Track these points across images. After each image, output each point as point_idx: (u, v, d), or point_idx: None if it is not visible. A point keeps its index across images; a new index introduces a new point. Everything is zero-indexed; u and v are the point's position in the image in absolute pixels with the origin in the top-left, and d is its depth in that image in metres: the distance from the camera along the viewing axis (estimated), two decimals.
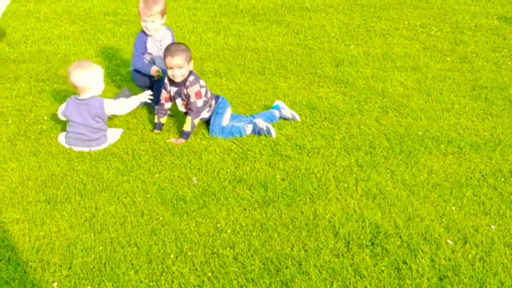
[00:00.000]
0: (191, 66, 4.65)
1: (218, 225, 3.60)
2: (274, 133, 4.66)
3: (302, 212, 3.72)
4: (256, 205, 3.81)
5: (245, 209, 3.76)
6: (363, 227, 3.57)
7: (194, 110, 4.62)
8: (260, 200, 3.86)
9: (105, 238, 3.49)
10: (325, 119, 4.98)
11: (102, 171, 4.21)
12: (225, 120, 4.75)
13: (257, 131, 4.66)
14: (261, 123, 4.68)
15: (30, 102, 5.35)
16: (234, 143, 4.59)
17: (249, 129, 4.67)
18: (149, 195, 3.92)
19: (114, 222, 3.65)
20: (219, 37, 7.14)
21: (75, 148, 4.51)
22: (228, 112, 4.80)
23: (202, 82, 4.72)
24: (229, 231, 3.54)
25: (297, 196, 3.88)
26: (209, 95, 4.75)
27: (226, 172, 4.20)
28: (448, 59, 6.42)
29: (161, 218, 3.68)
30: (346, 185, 4.01)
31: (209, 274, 3.20)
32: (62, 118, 4.63)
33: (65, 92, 5.53)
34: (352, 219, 3.64)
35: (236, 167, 4.25)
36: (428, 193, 3.93)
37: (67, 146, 4.54)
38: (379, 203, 3.82)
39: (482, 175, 4.16)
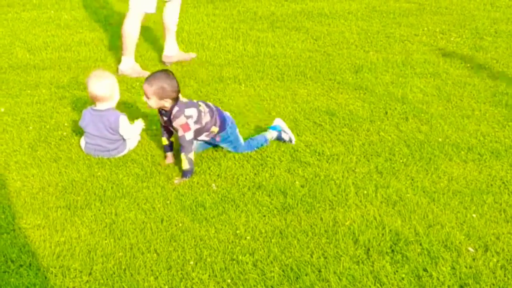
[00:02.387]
0: (166, 102, 4.23)
1: (238, 232, 3.60)
2: (294, 140, 4.65)
3: (321, 219, 3.71)
4: (276, 211, 3.81)
5: (264, 216, 3.76)
6: (383, 234, 3.55)
7: (184, 144, 4.21)
8: (279, 206, 3.85)
9: (125, 244, 3.51)
10: (345, 125, 4.96)
11: (122, 177, 4.23)
12: (241, 141, 4.56)
13: (281, 138, 4.66)
14: (286, 130, 4.66)
15: (51, 109, 5.39)
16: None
17: (274, 135, 4.64)
18: (168, 202, 3.94)
19: (134, 228, 3.66)
20: (238, 43, 7.16)
21: (94, 154, 4.54)
22: (238, 133, 4.57)
23: (190, 111, 4.25)
24: (248, 237, 3.54)
25: (316, 203, 3.87)
26: (206, 119, 4.34)
27: (246, 178, 4.20)
28: (468, 65, 6.38)
29: (180, 225, 3.69)
30: (365, 192, 3.99)
31: (229, 280, 3.20)
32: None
33: (85, 98, 5.57)
34: (372, 226, 3.62)
35: (255, 174, 4.25)
36: (448, 200, 3.90)
37: (86, 152, 4.57)
38: (399, 210, 3.79)
39: (503, 182, 4.12)
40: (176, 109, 4.24)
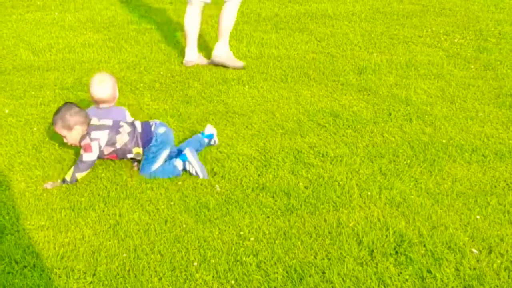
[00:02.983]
0: (82, 130, 4.24)
1: (241, 233, 3.60)
2: (205, 174, 4.26)
3: (325, 220, 3.71)
4: (279, 213, 3.81)
5: (268, 217, 3.76)
6: (387, 236, 3.55)
7: (79, 164, 4.18)
8: (283, 208, 3.85)
9: (129, 245, 3.51)
10: (348, 127, 4.96)
11: (125, 179, 4.23)
12: (156, 165, 4.30)
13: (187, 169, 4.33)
14: (192, 163, 4.27)
15: (55, 110, 5.39)
16: (257, 150, 4.59)
17: (179, 166, 4.31)
18: (172, 203, 3.94)
19: (138, 229, 3.66)
20: (242, 45, 7.16)
21: None
22: (163, 156, 4.33)
23: (97, 134, 4.23)
24: (252, 239, 3.54)
25: (320, 204, 3.87)
26: (124, 140, 4.28)
27: (249, 179, 4.20)
28: (472, 66, 6.37)
29: (184, 226, 3.69)
30: (369, 193, 3.99)
31: (233, 282, 3.20)
32: None
33: (89, 100, 5.57)
34: (376, 228, 3.62)
35: (259, 175, 4.26)
36: (452, 202, 3.90)
37: None
38: (403, 211, 3.79)
39: (507, 184, 4.12)
40: (85, 132, 4.27)
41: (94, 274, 3.27)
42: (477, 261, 3.33)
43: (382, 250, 3.43)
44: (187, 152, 4.29)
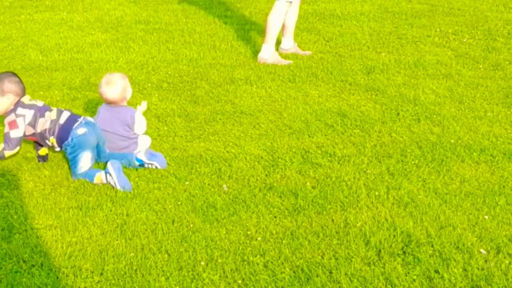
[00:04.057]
0: (12, 101, 4.24)
1: (249, 233, 3.60)
2: (128, 186, 4.12)
3: (332, 220, 3.70)
4: (287, 212, 3.80)
5: (275, 217, 3.76)
6: (394, 236, 3.53)
7: (7, 141, 4.18)
8: (290, 208, 3.85)
9: (136, 245, 3.51)
10: (356, 126, 4.95)
11: (133, 178, 4.24)
12: (80, 168, 4.22)
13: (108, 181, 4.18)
14: (112, 176, 4.14)
15: None
16: (265, 150, 4.59)
17: (101, 177, 4.19)
18: (179, 202, 3.94)
19: (145, 229, 3.67)
20: (250, 44, 7.16)
21: None
22: (84, 159, 4.22)
23: (24, 111, 4.20)
24: (259, 238, 3.54)
25: (327, 204, 3.86)
26: (45, 126, 4.22)
27: (257, 179, 4.20)
28: (481, 66, 6.35)
29: (191, 225, 3.69)
30: (377, 193, 3.98)
31: (240, 281, 3.20)
32: None
33: (98, 99, 5.59)
34: (384, 228, 3.61)
35: (266, 175, 4.25)
36: (460, 202, 3.88)
37: None
38: (411, 211, 3.78)
39: None
40: (12, 107, 4.24)
41: (101, 274, 3.28)
42: (485, 261, 3.31)
43: (390, 250, 3.41)
44: (109, 165, 4.14)
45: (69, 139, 4.22)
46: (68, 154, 4.27)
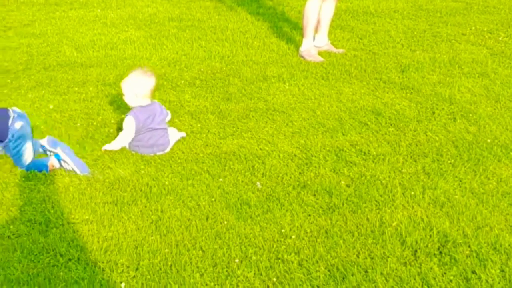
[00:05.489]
0: None
1: (283, 231, 3.59)
2: (85, 169, 4.29)
3: (368, 219, 3.67)
4: (321, 211, 3.79)
5: (309, 215, 3.74)
6: (430, 236, 3.50)
7: None
8: (324, 206, 3.83)
9: (171, 241, 3.53)
10: (391, 125, 4.91)
11: (167, 175, 4.25)
12: (25, 159, 4.32)
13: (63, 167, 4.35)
14: (67, 160, 4.31)
15: (98, 106, 5.46)
16: (298, 148, 4.58)
17: (56, 164, 4.34)
18: (213, 199, 3.95)
19: (180, 225, 3.68)
20: (282, 42, 7.14)
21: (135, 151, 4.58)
22: (27, 150, 4.31)
23: None
24: (293, 236, 3.53)
25: (362, 203, 3.84)
26: None
27: (290, 177, 4.19)
28: None
29: (225, 222, 3.69)
30: (413, 192, 3.94)
31: (274, 279, 3.19)
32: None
33: None
34: (419, 227, 3.57)
35: (300, 173, 4.24)
36: (497, 202, 3.83)
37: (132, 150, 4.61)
38: (447, 211, 3.74)
39: None
40: None
41: (137, 269, 3.30)
42: None
43: (426, 250, 3.38)
44: (59, 151, 4.34)
45: (9, 136, 4.25)
46: (11, 150, 4.30)
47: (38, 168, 4.34)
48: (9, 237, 3.60)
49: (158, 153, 4.57)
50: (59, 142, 4.53)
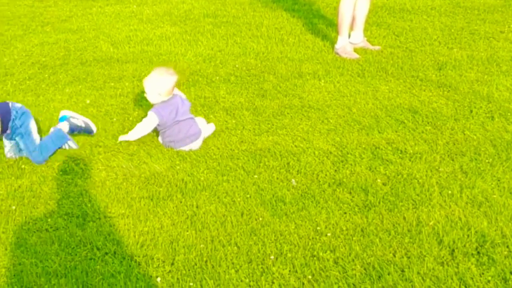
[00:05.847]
0: None
1: (318, 228, 3.58)
2: (94, 126, 4.73)
3: (404, 218, 3.64)
4: (357, 209, 3.76)
5: (345, 213, 3.72)
6: (468, 236, 3.45)
7: None
8: (360, 204, 3.80)
9: (206, 236, 3.54)
10: (428, 123, 4.86)
11: (202, 170, 4.26)
12: (36, 137, 4.45)
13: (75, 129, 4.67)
14: (76, 116, 4.63)
15: (133, 101, 5.50)
16: (334, 145, 4.55)
17: (65, 127, 4.59)
18: (248, 196, 3.95)
19: (215, 221, 3.69)
20: (318, 39, 7.11)
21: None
22: (33, 128, 4.45)
23: None
24: (329, 234, 3.51)
25: (399, 202, 3.80)
26: None
27: (326, 175, 4.17)
28: None
29: (260, 219, 3.69)
30: (450, 192, 3.89)
31: (309, 276, 3.18)
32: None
33: None
34: (457, 227, 3.52)
35: (335, 170, 4.21)
36: None
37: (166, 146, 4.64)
38: (485, 211, 3.68)
39: None
40: None
41: (172, 263, 3.31)
42: None
43: (464, 250, 3.34)
44: (64, 111, 4.66)
45: (12, 115, 4.37)
46: (19, 129, 4.39)
47: (55, 146, 4.47)
48: (47, 230, 3.65)
49: (193, 145, 4.57)
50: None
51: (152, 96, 4.58)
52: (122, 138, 4.61)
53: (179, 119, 4.57)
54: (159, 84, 4.53)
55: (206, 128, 4.77)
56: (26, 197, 3.99)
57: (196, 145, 4.60)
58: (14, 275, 3.25)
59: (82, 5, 9.13)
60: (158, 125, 4.57)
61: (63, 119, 4.64)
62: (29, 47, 7.12)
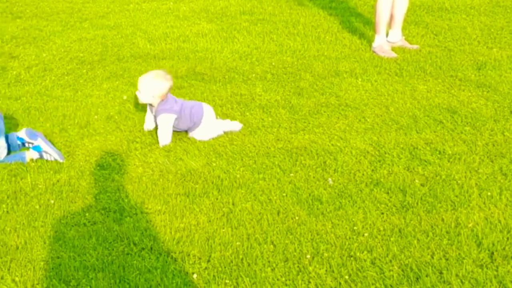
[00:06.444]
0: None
1: (355, 228, 3.55)
2: (62, 157, 4.43)
3: (443, 220, 3.59)
4: (394, 209, 3.72)
5: (382, 213, 3.69)
6: (508, 238, 3.39)
7: None
8: (398, 204, 3.76)
9: (242, 234, 3.53)
10: (467, 124, 4.78)
11: (238, 168, 4.26)
12: (0, 154, 4.42)
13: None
14: (48, 151, 4.43)
15: None
16: (371, 145, 4.51)
17: (32, 155, 4.44)
18: (284, 194, 3.93)
19: (251, 219, 3.68)
20: (355, 37, 7.06)
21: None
22: (1, 143, 4.42)
23: None
24: (366, 234, 3.48)
25: (437, 203, 3.75)
26: None
27: (363, 174, 4.13)
28: None
29: (297, 218, 3.67)
30: (489, 193, 3.83)
31: (346, 277, 3.15)
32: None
33: (203, 89, 5.67)
34: (497, 230, 3.47)
35: (373, 170, 4.18)
36: None
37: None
38: None
39: None
40: None
41: (208, 260, 3.31)
42: None
43: (503, 253, 3.28)
44: (40, 142, 4.42)
45: None
46: None
47: (8, 160, 4.40)
48: (84, 224, 3.68)
49: (204, 124, 4.69)
50: (38, 133, 4.55)
51: (145, 96, 4.63)
52: (161, 145, 4.63)
53: (183, 107, 4.68)
54: (156, 87, 4.59)
55: (228, 124, 4.80)
56: (64, 192, 4.03)
57: (208, 119, 4.70)
58: (52, 268, 3.29)
59: (119, 2, 9.20)
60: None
61: (37, 148, 4.46)
62: (68, 42, 7.19)
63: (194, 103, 4.84)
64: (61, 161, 4.40)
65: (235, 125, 4.82)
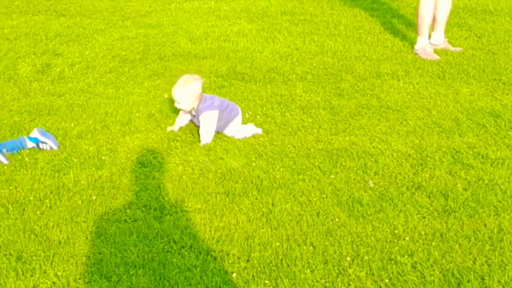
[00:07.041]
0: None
1: (396, 231, 3.52)
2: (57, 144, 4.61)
3: (485, 225, 3.54)
4: (436, 214, 3.68)
5: (424, 217, 3.65)
6: None
7: None
8: (440, 209, 3.72)
9: (281, 235, 3.53)
10: (510, 128, 4.71)
11: (278, 168, 4.26)
12: None
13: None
14: (47, 142, 4.56)
15: None
16: (413, 148, 4.47)
17: (30, 145, 4.57)
18: (324, 195, 3.92)
19: (290, 220, 3.68)
20: (397, 39, 7.00)
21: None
22: None
23: None
24: (407, 238, 3.45)
25: (480, 208, 3.70)
26: None
27: (404, 177, 4.10)
28: None
29: (336, 219, 3.66)
30: None
31: (387, 280, 3.13)
32: None
33: (243, 88, 5.68)
34: None
35: (414, 173, 4.14)
36: None
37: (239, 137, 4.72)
38: None
39: None
40: None
41: (248, 260, 3.32)
42: None
43: None
44: (36, 133, 4.56)
45: None
46: None
47: (5, 147, 4.50)
48: (125, 221, 3.72)
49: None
50: (48, 134, 4.67)
51: (185, 104, 4.68)
52: (202, 143, 4.67)
53: (222, 103, 4.76)
54: (191, 91, 4.65)
55: (250, 128, 4.82)
56: (106, 188, 4.08)
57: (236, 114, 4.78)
58: (94, 264, 3.33)
59: (161, 1, 9.27)
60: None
61: (33, 140, 4.59)
62: (110, 41, 7.28)
63: (226, 99, 4.93)
64: (55, 148, 4.56)
65: (257, 130, 4.84)
